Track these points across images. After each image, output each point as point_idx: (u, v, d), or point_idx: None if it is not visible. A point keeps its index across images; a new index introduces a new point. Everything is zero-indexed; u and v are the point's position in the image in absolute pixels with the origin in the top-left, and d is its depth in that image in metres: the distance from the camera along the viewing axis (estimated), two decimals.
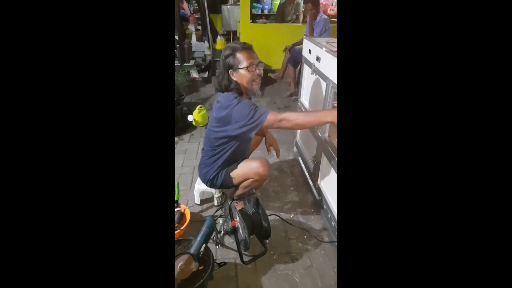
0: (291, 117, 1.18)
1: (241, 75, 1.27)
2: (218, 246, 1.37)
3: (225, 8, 5.27)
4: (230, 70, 1.27)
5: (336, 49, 1.48)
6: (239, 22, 4.24)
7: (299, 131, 2.09)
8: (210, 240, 1.24)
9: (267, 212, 1.38)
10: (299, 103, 1.99)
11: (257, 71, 1.28)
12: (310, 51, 1.70)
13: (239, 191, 1.45)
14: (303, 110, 1.89)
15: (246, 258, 1.31)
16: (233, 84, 1.28)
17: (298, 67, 3.46)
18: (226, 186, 1.47)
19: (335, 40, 1.78)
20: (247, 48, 1.27)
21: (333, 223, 1.42)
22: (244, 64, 1.25)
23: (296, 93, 3.34)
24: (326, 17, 3.14)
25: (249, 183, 1.39)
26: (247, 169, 1.38)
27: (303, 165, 1.97)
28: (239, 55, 1.25)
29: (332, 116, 1.14)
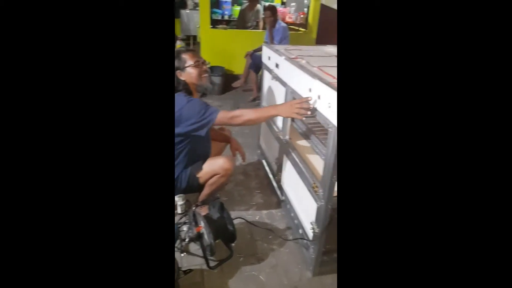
0: (242, 113, 1.28)
1: (188, 73, 1.34)
2: (184, 254, 1.36)
3: (184, 12, 5.21)
4: (177, 71, 1.34)
5: (293, 56, 1.57)
6: (198, 27, 4.22)
7: (262, 134, 2.14)
8: (175, 248, 1.22)
9: (233, 215, 1.40)
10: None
11: (204, 67, 1.37)
12: (269, 58, 1.77)
13: (206, 190, 1.46)
14: None
15: (212, 263, 1.31)
16: (181, 84, 1.34)
17: (260, 72, 3.55)
18: (192, 187, 1.46)
19: (294, 47, 1.88)
20: (190, 50, 1.38)
21: (295, 221, 1.48)
22: (190, 62, 1.34)
23: (258, 97, 3.42)
24: (284, 24, 3.28)
25: (216, 179, 1.42)
26: (212, 165, 1.41)
27: (267, 167, 2.02)
28: (184, 56, 1.34)
29: (276, 110, 1.29)
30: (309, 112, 1.16)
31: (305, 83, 1.21)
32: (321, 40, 4.01)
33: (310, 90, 1.16)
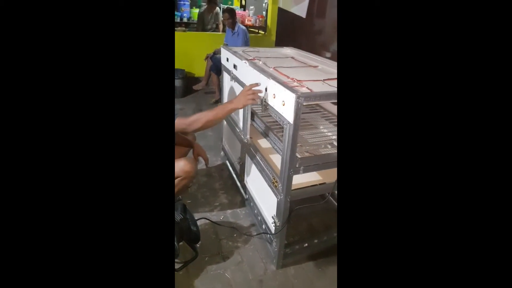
0: (199, 116, 1.25)
1: None
2: None
3: None
4: None
5: (251, 58, 1.61)
6: None
7: (224, 136, 2.16)
8: None
9: (197, 216, 1.40)
10: None
11: None
12: (227, 59, 1.79)
13: None
14: (227, 116, 1.96)
15: (177, 266, 1.30)
16: None
17: (221, 74, 3.57)
18: None
19: (251, 49, 1.93)
20: None
21: (259, 218, 1.53)
22: None
23: (221, 99, 3.43)
24: (244, 27, 3.33)
25: (177, 182, 1.40)
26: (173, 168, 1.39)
27: (230, 168, 2.05)
28: None
29: (232, 104, 1.25)
30: (261, 95, 1.21)
31: (262, 83, 1.26)
32: (280, 42, 4.14)
33: (266, 89, 1.21)
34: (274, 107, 1.15)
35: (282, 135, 1.28)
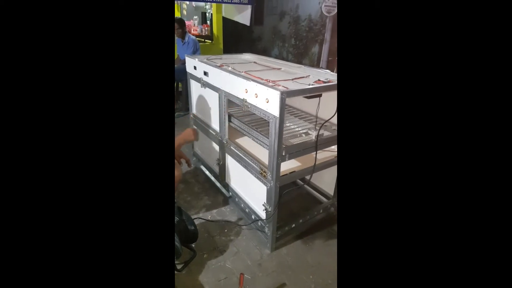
0: None
1: None
2: None
3: None
4: None
5: (219, 64, 1.74)
6: None
7: (195, 141, 2.22)
8: None
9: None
10: (192, 116, 2.13)
11: None
12: (195, 68, 1.88)
13: None
14: (198, 122, 2.04)
15: (179, 266, 1.35)
16: None
17: (175, 84, 3.57)
18: None
19: (214, 57, 2.05)
20: None
21: (247, 210, 1.65)
22: None
23: (178, 109, 3.44)
24: (194, 37, 3.41)
25: None
26: None
27: (207, 172, 2.12)
28: None
29: (182, 138, 1.53)
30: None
31: (240, 86, 1.40)
32: (228, 50, 4.32)
33: (246, 90, 1.36)
34: (257, 105, 1.30)
35: (263, 130, 1.44)
